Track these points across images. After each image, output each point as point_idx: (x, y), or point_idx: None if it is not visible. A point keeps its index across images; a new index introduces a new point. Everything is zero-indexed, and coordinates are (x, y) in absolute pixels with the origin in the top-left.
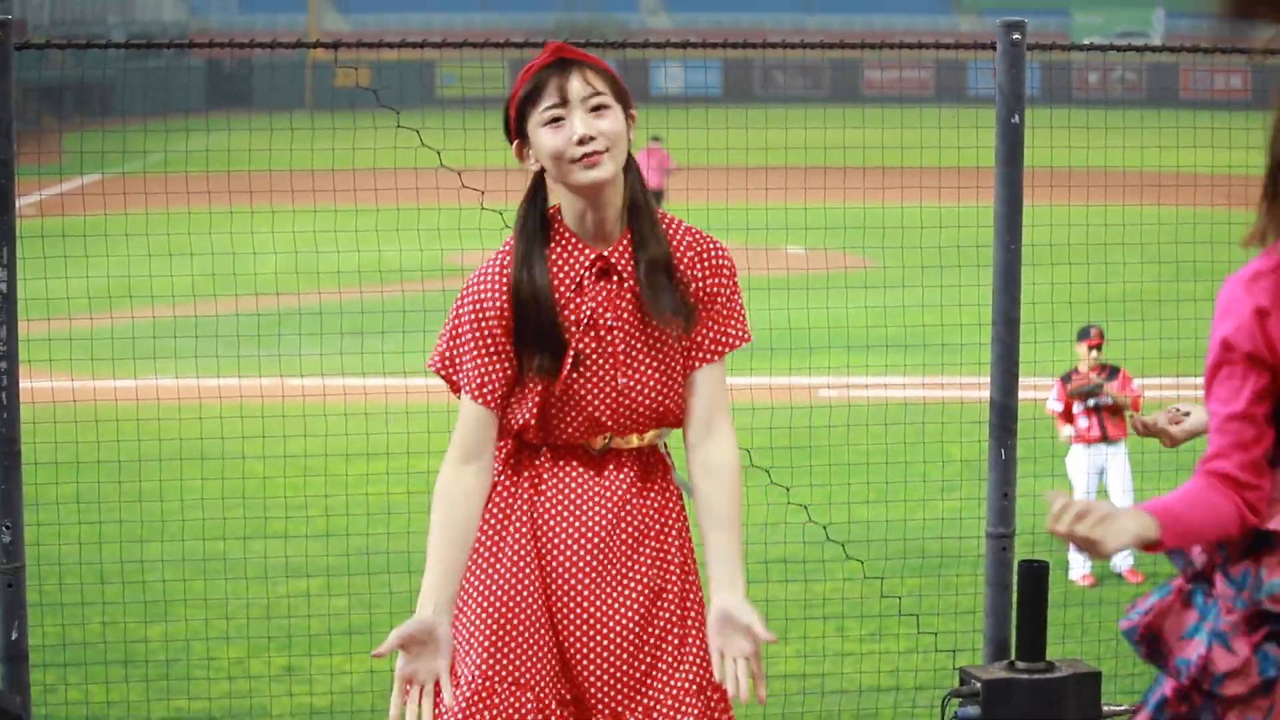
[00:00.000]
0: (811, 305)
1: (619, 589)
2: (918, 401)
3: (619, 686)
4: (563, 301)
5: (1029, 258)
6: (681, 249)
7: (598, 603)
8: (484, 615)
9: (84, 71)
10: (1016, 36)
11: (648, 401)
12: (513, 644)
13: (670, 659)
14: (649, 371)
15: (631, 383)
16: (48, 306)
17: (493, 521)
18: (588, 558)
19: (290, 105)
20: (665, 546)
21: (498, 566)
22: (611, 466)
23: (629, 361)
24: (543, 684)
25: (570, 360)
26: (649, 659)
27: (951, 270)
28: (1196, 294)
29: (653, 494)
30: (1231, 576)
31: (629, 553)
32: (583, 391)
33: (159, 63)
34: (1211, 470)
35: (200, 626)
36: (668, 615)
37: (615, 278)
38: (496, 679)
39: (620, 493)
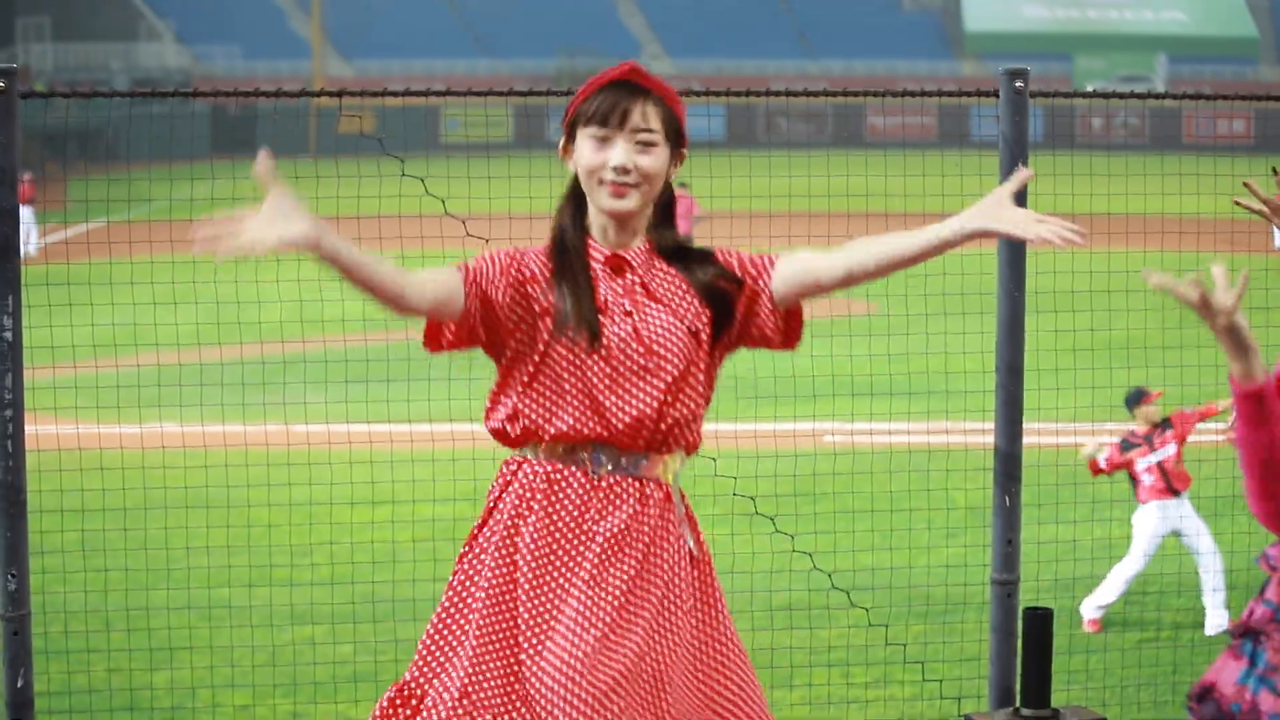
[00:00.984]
0: (816, 352)
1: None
2: (922, 448)
3: None
4: None
5: (1032, 304)
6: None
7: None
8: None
9: (88, 118)
10: (1020, 84)
11: (652, 399)
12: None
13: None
14: (655, 365)
15: (639, 368)
16: (53, 353)
17: (501, 543)
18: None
19: (294, 151)
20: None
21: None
22: (607, 499)
23: (642, 348)
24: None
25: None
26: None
27: (955, 317)
28: (1200, 340)
29: (650, 532)
30: None
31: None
32: (593, 369)
33: (163, 109)
34: None
35: (205, 673)
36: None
37: (629, 275)
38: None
39: (615, 532)
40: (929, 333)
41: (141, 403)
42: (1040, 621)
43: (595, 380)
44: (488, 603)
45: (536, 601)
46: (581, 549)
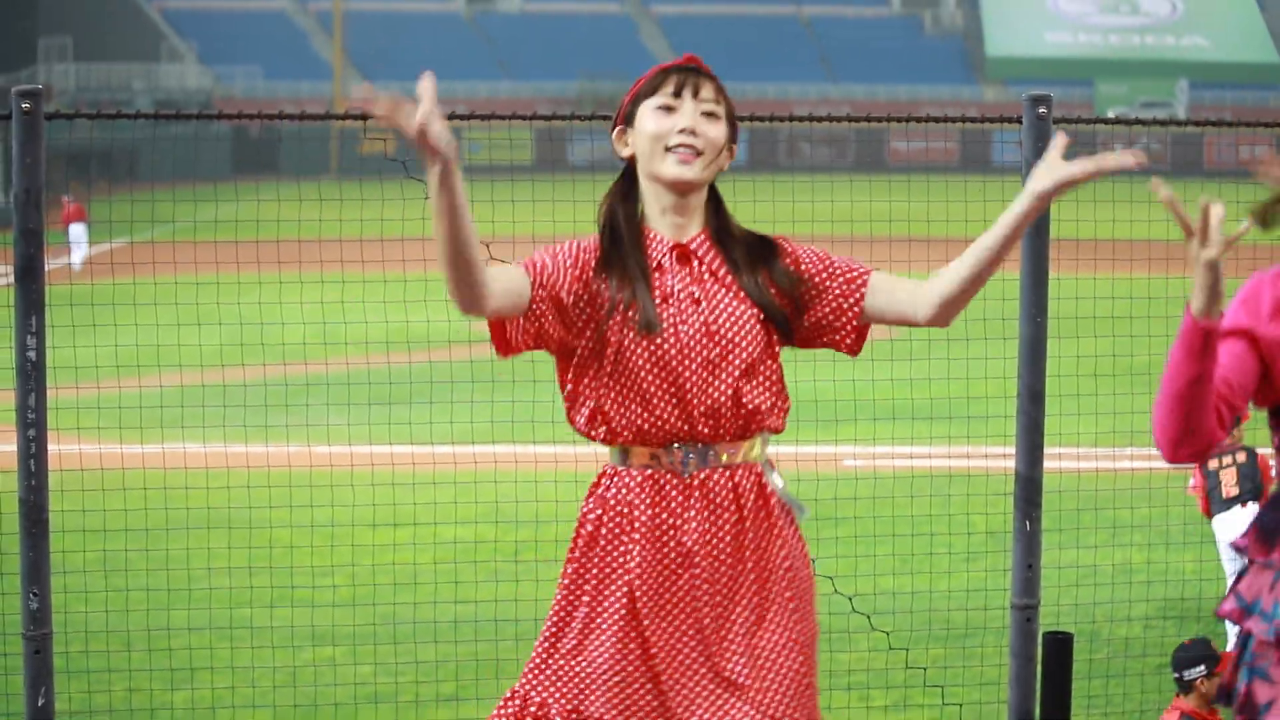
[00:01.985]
0: (838, 377)
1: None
2: (943, 472)
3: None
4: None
5: (1054, 329)
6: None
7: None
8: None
9: (111, 138)
10: (1042, 110)
11: (728, 388)
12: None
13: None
14: (728, 354)
15: (712, 358)
16: (76, 373)
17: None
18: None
19: (317, 173)
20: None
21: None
22: (705, 498)
23: (713, 335)
24: None
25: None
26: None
27: (977, 342)
28: None
29: (750, 524)
30: (1264, 612)
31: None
32: (668, 362)
33: (185, 130)
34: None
35: (225, 693)
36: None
37: (695, 262)
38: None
39: (717, 531)
40: (950, 358)
41: (164, 423)
42: (1060, 646)
43: (672, 373)
44: (616, 632)
45: (664, 629)
46: (692, 568)
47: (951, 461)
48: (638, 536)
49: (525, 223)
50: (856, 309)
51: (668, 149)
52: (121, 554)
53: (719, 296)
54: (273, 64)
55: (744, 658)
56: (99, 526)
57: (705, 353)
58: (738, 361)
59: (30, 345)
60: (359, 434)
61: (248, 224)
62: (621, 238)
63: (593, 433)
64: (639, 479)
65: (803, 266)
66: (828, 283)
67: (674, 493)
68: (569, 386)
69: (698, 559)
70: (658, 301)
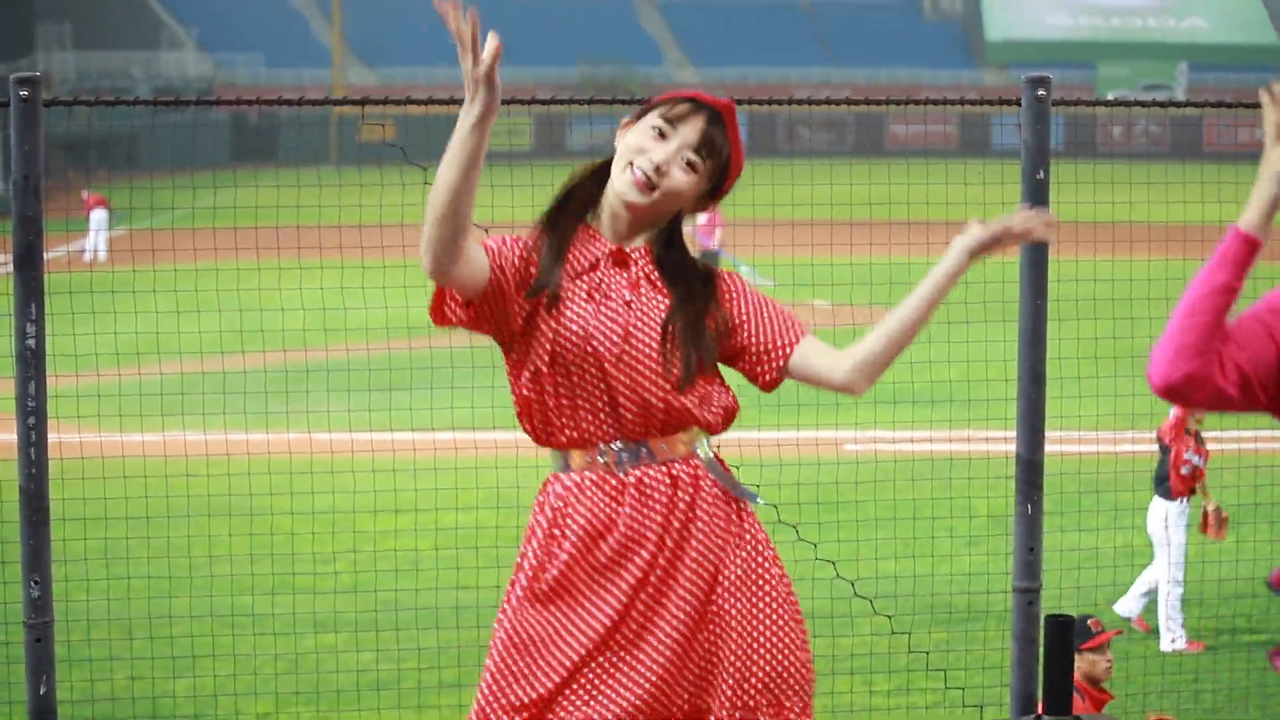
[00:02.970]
0: None
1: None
2: (944, 456)
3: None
4: (575, 269)
5: (1054, 312)
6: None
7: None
8: (503, 641)
9: (110, 126)
10: (1041, 93)
11: (657, 388)
12: (518, 666)
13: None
14: (656, 354)
15: (643, 358)
16: (76, 362)
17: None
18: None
19: (316, 160)
20: (716, 562)
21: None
22: (640, 493)
23: (637, 336)
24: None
25: (559, 300)
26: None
27: (978, 325)
28: None
29: (691, 517)
30: None
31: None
32: (599, 363)
33: (184, 117)
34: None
35: (227, 681)
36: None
37: (632, 268)
38: (495, 703)
39: (651, 526)
40: (951, 341)
41: (164, 411)
42: (1062, 629)
43: (605, 374)
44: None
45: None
46: (626, 562)
47: (952, 445)
48: (570, 539)
49: (524, 208)
50: (771, 372)
51: (631, 164)
52: (122, 542)
53: (653, 302)
54: (273, 51)
55: (669, 652)
56: (100, 515)
57: (632, 351)
58: (660, 365)
59: (29, 333)
60: (359, 421)
61: (247, 211)
62: (567, 211)
63: (531, 430)
64: (575, 483)
65: (737, 314)
66: (751, 340)
67: (610, 491)
68: (514, 390)
69: (628, 554)
70: (584, 297)
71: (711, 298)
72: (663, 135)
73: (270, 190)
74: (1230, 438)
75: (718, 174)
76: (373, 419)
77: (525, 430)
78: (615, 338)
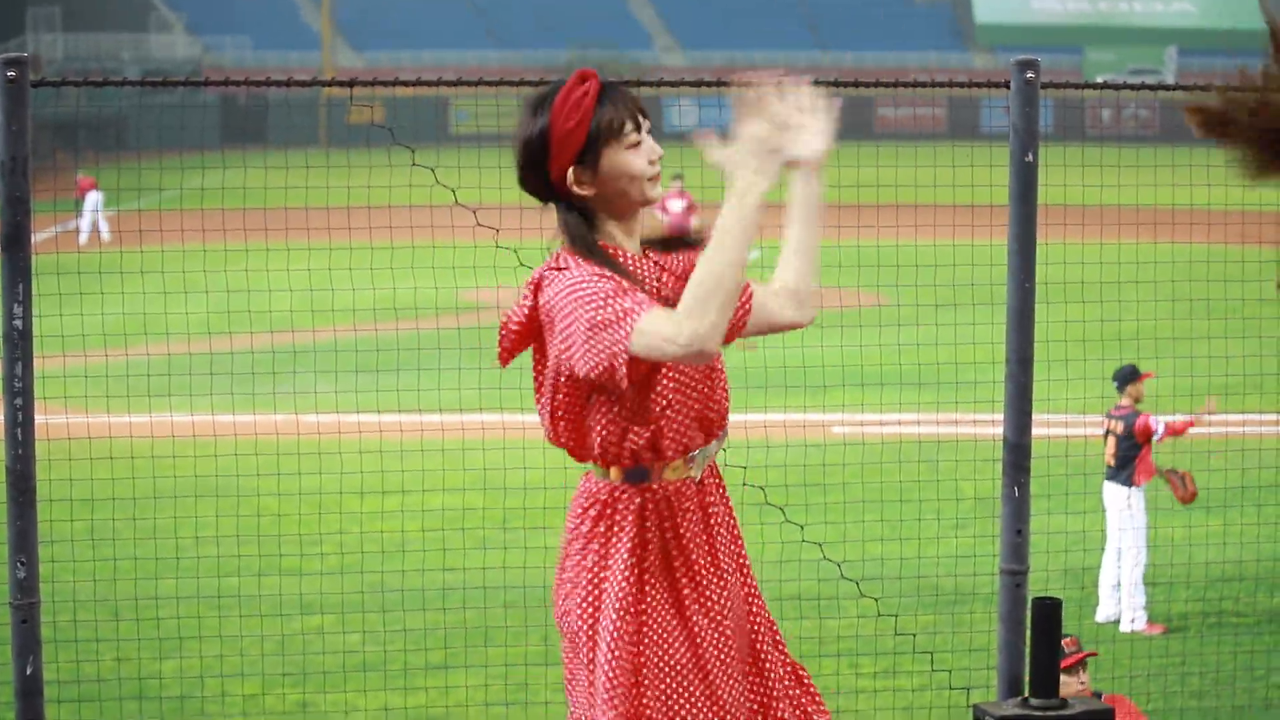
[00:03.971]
0: (825, 343)
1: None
2: (931, 439)
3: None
4: (652, 290)
5: (1042, 295)
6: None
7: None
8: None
9: (99, 108)
10: (1030, 75)
11: (726, 390)
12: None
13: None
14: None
15: (711, 365)
16: (63, 342)
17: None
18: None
19: (304, 142)
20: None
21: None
22: (709, 496)
23: None
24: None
25: None
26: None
27: (965, 308)
28: (1210, 331)
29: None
30: None
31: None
32: (691, 375)
33: (173, 99)
34: None
35: (214, 662)
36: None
37: (664, 273)
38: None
39: (722, 526)
40: (938, 323)
41: (151, 392)
42: (1049, 611)
43: (697, 385)
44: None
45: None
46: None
47: (940, 428)
48: (685, 542)
49: (512, 189)
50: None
51: (648, 179)
52: (109, 523)
53: None
54: (261, 34)
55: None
56: (87, 496)
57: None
58: (722, 363)
59: (17, 314)
60: (347, 402)
61: (235, 193)
62: (622, 268)
63: (621, 455)
64: (668, 494)
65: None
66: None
67: (694, 497)
68: (588, 413)
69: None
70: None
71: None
72: (638, 143)
73: (259, 172)
74: (1218, 420)
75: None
76: (360, 400)
77: (601, 452)
78: None
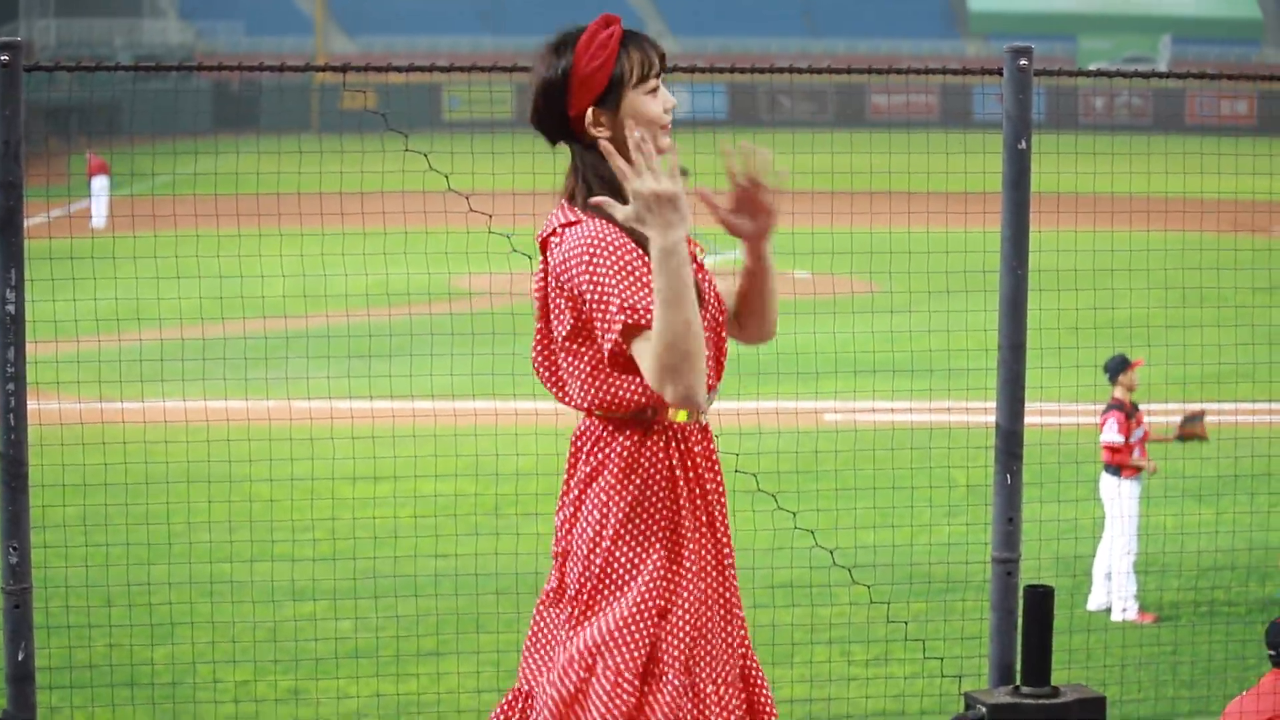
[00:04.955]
0: (818, 330)
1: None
2: (924, 426)
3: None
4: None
5: (1035, 283)
6: None
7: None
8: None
9: (91, 93)
10: (1024, 62)
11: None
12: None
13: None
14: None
15: (717, 310)
16: (55, 328)
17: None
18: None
19: (297, 128)
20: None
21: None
22: (707, 440)
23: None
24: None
25: None
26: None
27: (958, 295)
28: (1203, 319)
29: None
30: None
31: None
32: (709, 322)
33: (165, 84)
34: None
35: (206, 649)
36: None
37: None
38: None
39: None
40: (931, 310)
41: (143, 378)
42: (1040, 600)
43: (714, 332)
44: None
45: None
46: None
47: (932, 415)
48: (682, 485)
49: (504, 175)
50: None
51: (661, 126)
52: (101, 509)
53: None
54: (254, 19)
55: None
56: (79, 482)
57: (715, 309)
58: (721, 317)
59: (9, 299)
60: (339, 388)
61: (228, 178)
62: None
63: (649, 401)
64: (680, 435)
65: None
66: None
67: (700, 437)
68: (622, 360)
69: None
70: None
71: None
72: (656, 90)
73: (251, 158)
74: (1210, 410)
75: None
76: (352, 387)
77: (629, 398)
78: (706, 292)
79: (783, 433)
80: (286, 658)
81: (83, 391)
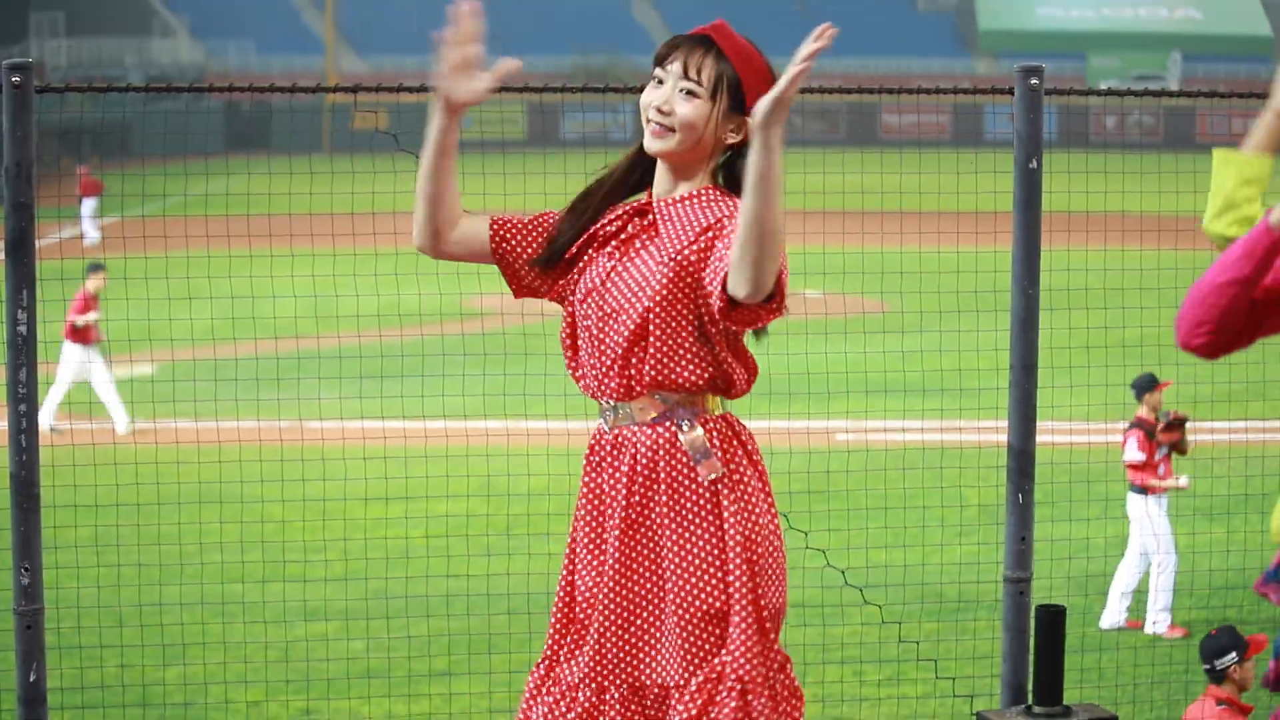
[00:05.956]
0: (830, 350)
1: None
2: (935, 446)
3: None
4: (603, 236)
5: (1046, 302)
6: (706, 199)
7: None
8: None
9: (102, 114)
10: (1034, 82)
11: (616, 345)
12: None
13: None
14: (615, 310)
15: (605, 314)
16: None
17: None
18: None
19: (309, 148)
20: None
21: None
22: (623, 453)
23: (618, 286)
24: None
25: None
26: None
27: (969, 314)
28: None
29: (663, 486)
30: None
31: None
32: (582, 318)
33: (176, 105)
34: None
35: (218, 669)
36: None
37: (648, 217)
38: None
39: (625, 487)
40: (942, 330)
41: (155, 398)
42: (1053, 619)
43: (586, 330)
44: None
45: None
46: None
47: (944, 435)
48: (583, 494)
49: (516, 196)
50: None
51: (647, 121)
52: (113, 530)
53: (641, 253)
54: (265, 39)
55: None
56: (90, 502)
57: (600, 310)
58: (626, 321)
59: (21, 320)
60: (350, 409)
61: (239, 199)
62: (592, 193)
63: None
64: (592, 436)
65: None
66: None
67: (607, 446)
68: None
69: (611, 510)
70: (608, 256)
71: (696, 244)
72: (660, 81)
73: (262, 178)
74: (1221, 428)
75: (732, 89)
76: (364, 407)
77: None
78: (588, 290)
79: (794, 452)
80: (299, 678)
81: (94, 411)
